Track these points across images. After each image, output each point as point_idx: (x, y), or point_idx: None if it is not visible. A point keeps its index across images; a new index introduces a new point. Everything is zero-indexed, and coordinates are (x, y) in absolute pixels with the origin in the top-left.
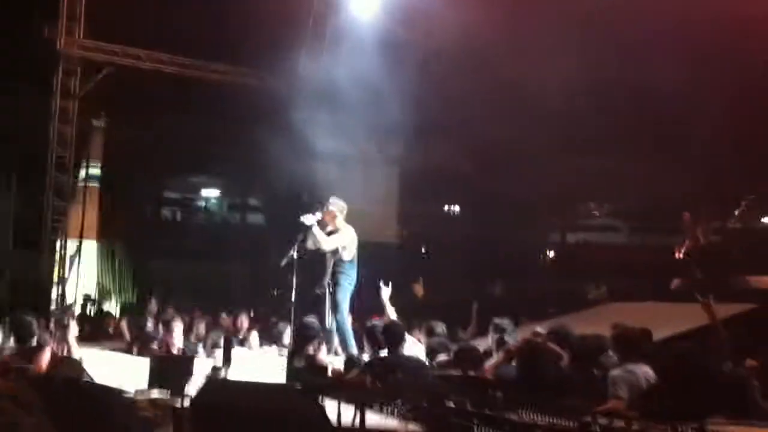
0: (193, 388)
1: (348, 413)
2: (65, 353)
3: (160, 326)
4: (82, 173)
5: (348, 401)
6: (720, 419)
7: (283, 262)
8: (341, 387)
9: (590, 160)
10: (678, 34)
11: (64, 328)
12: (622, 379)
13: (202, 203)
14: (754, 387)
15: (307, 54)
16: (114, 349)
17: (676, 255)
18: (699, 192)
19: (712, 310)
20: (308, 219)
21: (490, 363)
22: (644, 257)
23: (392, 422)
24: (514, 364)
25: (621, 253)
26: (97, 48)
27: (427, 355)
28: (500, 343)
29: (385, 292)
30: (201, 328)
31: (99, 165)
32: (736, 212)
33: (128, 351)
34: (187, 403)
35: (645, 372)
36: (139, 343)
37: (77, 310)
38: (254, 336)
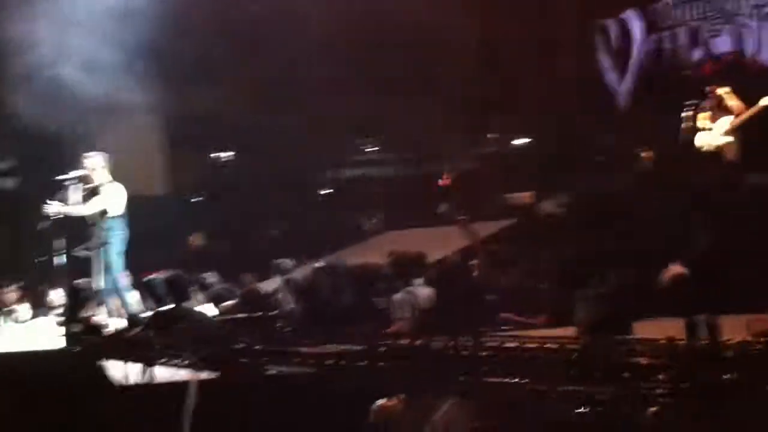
0: None
1: (135, 371)
2: None
3: None
4: None
5: (133, 359)
6: (496, 328)
7: (44, 226)
8: (124, 346)
9: (355, 96)
10: None
11: None
12: (403, 302)
13: None
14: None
15: None
16: None
17: (442, 182)
18: (456, 122)
19: (469, 228)
20: (67, 178)
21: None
22: (413, 187)
23: (183, 373)
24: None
25: (391, 184)
26: None
27: (213, 302)
28: (287, 283)
29: None
30: None
31: None
32: (490, 137)
33: None
34: None
35: (423, 292)
36: None
37: None
38: (24, 307)
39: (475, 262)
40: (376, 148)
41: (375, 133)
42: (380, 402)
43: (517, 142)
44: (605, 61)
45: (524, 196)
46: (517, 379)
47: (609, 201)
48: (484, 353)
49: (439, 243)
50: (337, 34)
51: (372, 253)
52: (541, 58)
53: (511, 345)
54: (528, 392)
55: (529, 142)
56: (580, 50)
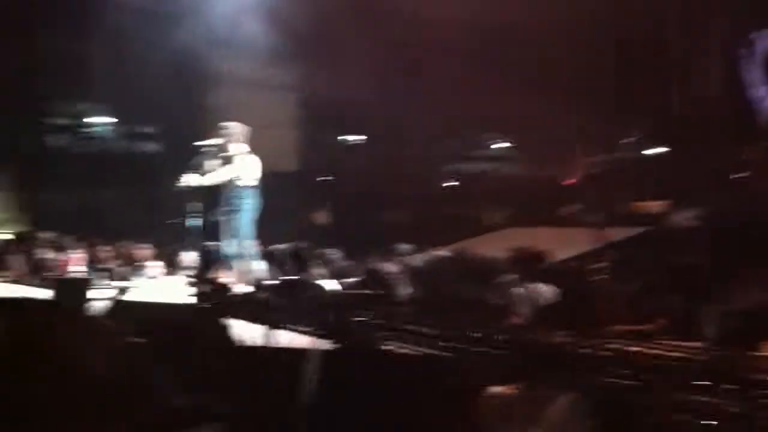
0: (93, 311)
1: (255, 333)
2: None
3: (56, 256)
4: None
5: (255, 321)
6: (616, 331)
7: (180, 189)
8: (249, 309)
9: (486, 93)
10: None
11: None
12: (521, 297)
13: (92, 130)
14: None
15: None
16: (5, 281)
17: (568, 183)
18: (589, 124)
19: (598, 231)
20: (206, 145)
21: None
22: (539, 186)
23: (300, 340)
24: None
25: (517, 181)
26: None
27: (334, 278)
28: (409, 267)
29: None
30: (100, 258)
31: None
32: (623, 144)
33: (21, 281)
34: None
35: (543, 290)
36: (34, 273)
37: None
38: (155, 265)
39: (600, 266)
40: (506, 145)
41: (505, 130)
42: (494, 389)
43: (651, 150)
44: (751, 75)
45: (655, 205)
46: (637, 382)
47: (743, 218)
48: (604, 353)
49: (564, 243)
50: (472, 30)
51: (494, 247)
52: (684, 66)
53: (634, 348)
54: (648, 396)
55: (664, 151)
56: (726, 62)
